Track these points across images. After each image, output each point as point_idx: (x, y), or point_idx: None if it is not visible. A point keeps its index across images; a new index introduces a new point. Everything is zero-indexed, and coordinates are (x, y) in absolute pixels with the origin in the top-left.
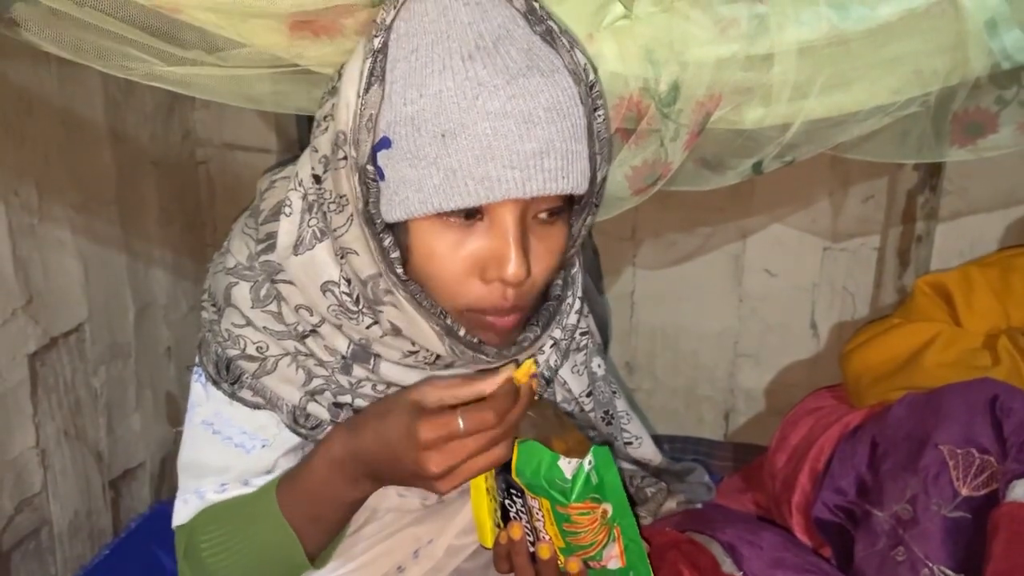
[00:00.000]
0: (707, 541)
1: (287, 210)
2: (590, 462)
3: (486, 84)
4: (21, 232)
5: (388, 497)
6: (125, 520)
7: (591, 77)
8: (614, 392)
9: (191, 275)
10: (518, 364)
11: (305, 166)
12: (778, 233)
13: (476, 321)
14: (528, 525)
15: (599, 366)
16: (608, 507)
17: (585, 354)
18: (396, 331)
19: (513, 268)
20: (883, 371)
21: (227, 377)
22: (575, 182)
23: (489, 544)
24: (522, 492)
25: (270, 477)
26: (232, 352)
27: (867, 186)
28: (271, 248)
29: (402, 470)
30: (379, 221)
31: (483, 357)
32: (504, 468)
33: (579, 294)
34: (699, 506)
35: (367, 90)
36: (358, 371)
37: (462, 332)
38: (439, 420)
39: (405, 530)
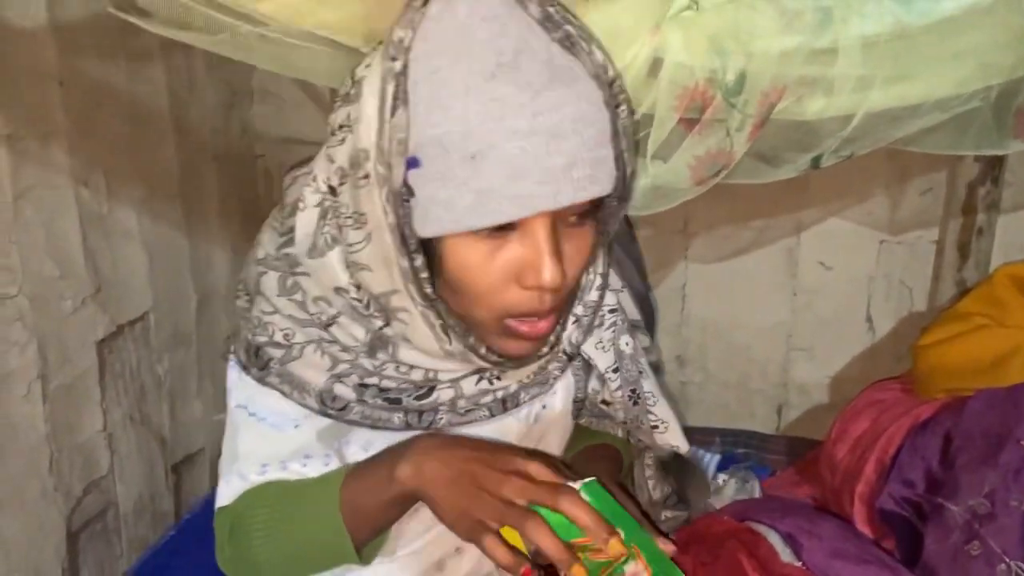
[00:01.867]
0: (766, 531)
1: (301, 205)
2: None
3: (510, 103)
4: (91, 223)
5: None
6: (186, 503)
7: (610, 74)
8: (640, 372)
9: None
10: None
11: (322, 169)
12: (833, 226)
13: (510, 330)
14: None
15: (627, 344)
16: (619, 531)
17: (613, 331)
18: (406, 340)
19: (549, 275)
20: (962, 371)
21: (256, 363)
22: (603, 186)
23: None
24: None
25: (307, 463)
26: (261, 339)
27: (926, 178)
28: (291, 242)
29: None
30: (412, 241)
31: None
32: None
33: (601, 270)
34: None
35: (393, 114)
36: (381, 355)
37: (483, 351)
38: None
39: None
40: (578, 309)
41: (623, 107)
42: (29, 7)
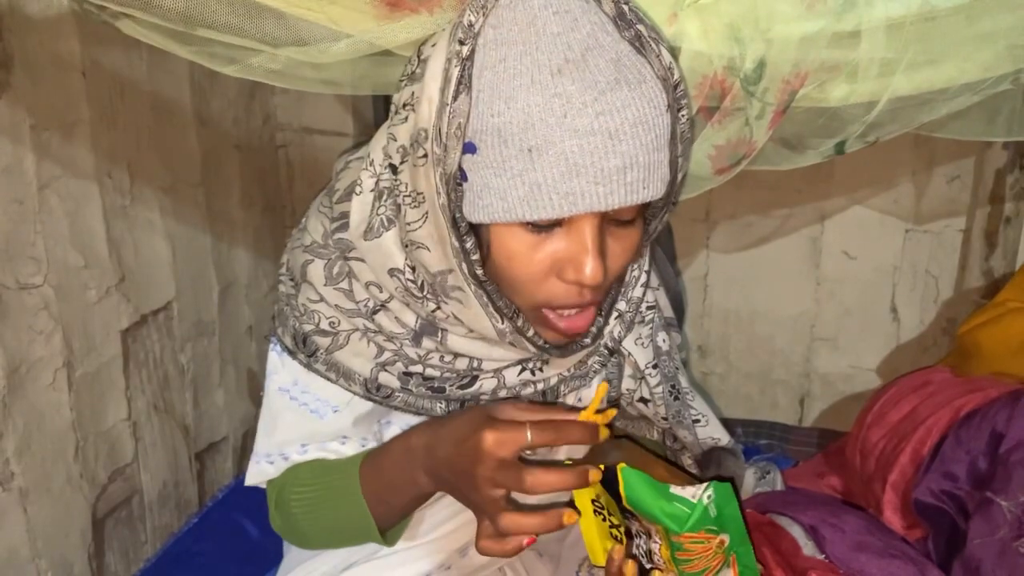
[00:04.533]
0: (788, 523)
1: (358, 189)
2: (709, 496)
3: (574, 101)
4: (114, 213)
5: None
6: (210, 491)
7: (676, 76)
8: (677, 368)
9: (271, 256)
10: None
11: (378, 148)
12: (858, 215)
13: (547, 321)
14: (645, 547)
15: (663, 341)
16: (725, 537)
17: (651, 328)
18: (458, 320)
19: (591, 272)
20: (995, 354)
21: (303, 350)
22: (655, 191)
23: (601, 562)
24: (636, 517)
25: (345, 442)
26: (307, 327)
27: (953, 166)
28: (344, 227)
29: (460, 474)
30: (463, 224)
31: (545, 355)
32: (615, 494)
33: (646, 267)
34: (779, 487)
35: (455, 98)
36: (427, 343)
37: (531, 333)
38: (508, 431)
39: None
40: (621, 305)
41: (684, 111)
42: None
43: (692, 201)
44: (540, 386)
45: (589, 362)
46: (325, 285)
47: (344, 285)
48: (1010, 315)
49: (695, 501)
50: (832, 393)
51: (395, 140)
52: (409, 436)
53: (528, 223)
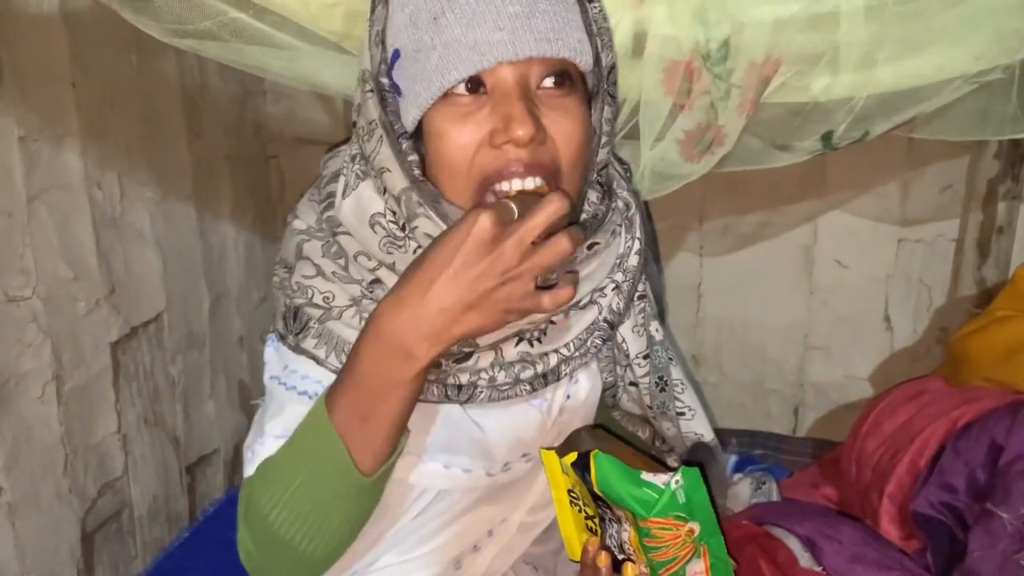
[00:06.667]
0: (784, 535)
1: (344, 171)
2: (677, 481)
3: None
4: (104, 224)
5: (455, 477)
6: (200, 505)
7: None
8: (670, 359)
9: (262, 267)
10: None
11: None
12: (850, 223)
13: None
14: (617, 537)
15: (656, 330)
16: (695, 526)
17: (644, 316)
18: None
19: (518, 126)
20: (982, 361)
21: (293, 327)
22: (571, 49)
23: (577, 557)
24: (608, 504)
25: None
26: (299, 301)
27: (945, 174)
28: (331, 205)
29: (470, 284)
30: (397, 126)
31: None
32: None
33: (639, 235)
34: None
35: (373, 11)
36: None
37: None
38: (497, 208)
39: (478, 509)
40: (618, 276)
41: (596, 3)
42: (43, 6)
43: (685, 208)
44: (540, 368)
45: (589, 341)
46: (323, 257)
47: (341, 261)
48: (997, 323)
49: (663, 487)
50: (825, 402)
51: (355, 102)
52: (376, 323)
53: (454, 97)
